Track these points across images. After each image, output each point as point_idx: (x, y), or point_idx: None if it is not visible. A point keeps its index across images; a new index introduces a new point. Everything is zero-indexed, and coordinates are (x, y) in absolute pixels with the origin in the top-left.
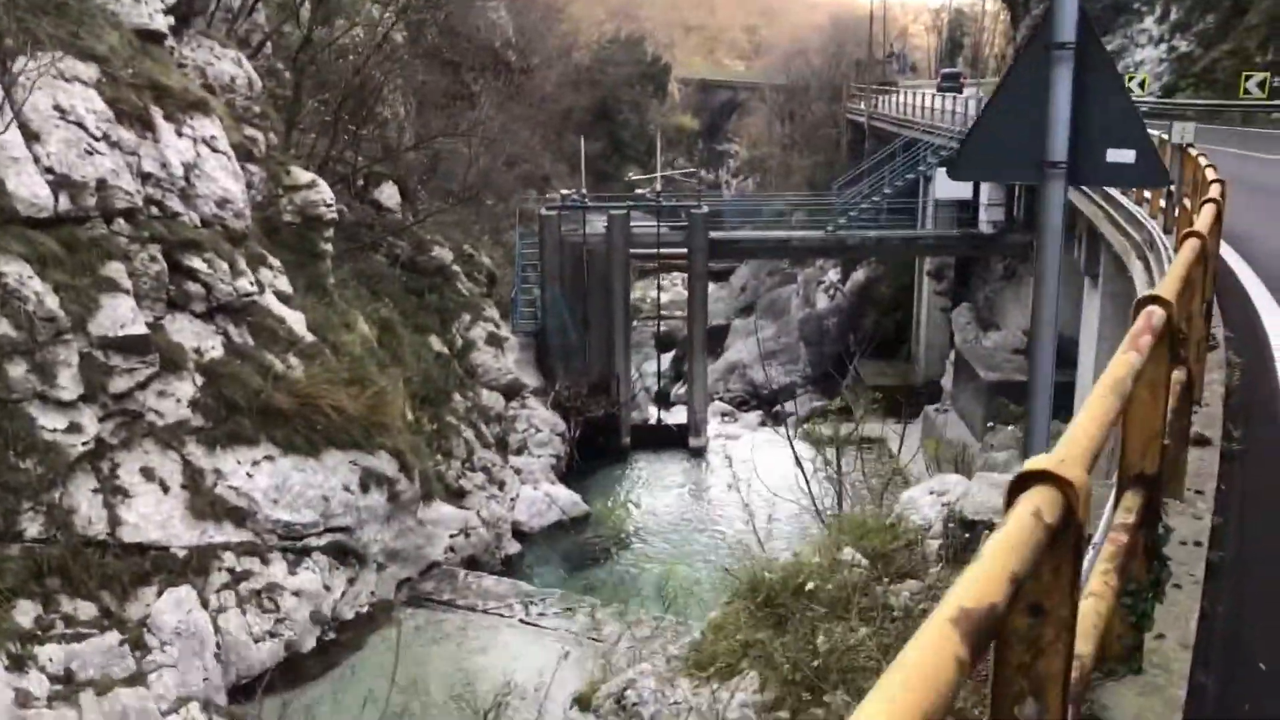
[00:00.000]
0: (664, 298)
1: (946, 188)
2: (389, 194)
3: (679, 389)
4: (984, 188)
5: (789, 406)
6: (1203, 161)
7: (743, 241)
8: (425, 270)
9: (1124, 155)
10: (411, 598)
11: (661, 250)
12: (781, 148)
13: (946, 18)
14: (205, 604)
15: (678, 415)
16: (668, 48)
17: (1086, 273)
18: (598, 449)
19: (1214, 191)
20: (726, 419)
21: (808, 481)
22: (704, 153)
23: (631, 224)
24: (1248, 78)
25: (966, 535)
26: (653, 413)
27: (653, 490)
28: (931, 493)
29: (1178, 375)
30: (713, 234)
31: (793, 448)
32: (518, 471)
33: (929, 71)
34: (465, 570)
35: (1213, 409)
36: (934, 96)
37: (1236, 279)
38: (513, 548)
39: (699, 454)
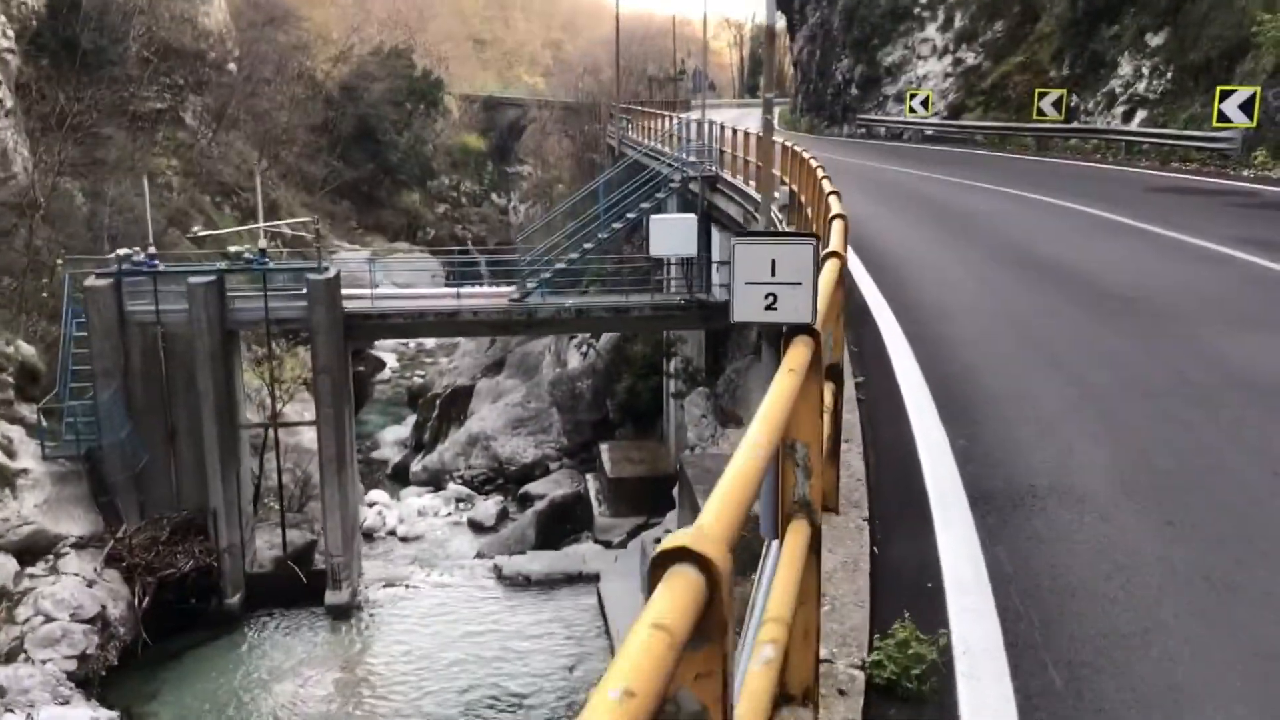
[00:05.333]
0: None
1: (661, 242)
2: None
3: (417, 465)
4: (715, 242)
5: (536, 488)
6: None
7: (393, 315)
8: None
9: None
10: None
11: (273, 330)
12: (568, 171)
13: (748, 33)
14: None
15: (414, 505)
16: (442, 61)
17: None
18: (188, 618)
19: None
20: (463, 506)
21: None
22: (494, 175)
23: (231, 294)
24: (1041, 95)
25: None
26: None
27: (263, 683)
28: None
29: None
30: (349, 305)
31: None
32: (2, 693)
33: (733, 90)
34: None
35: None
36: (670, 119)
37: None
38: None
39: (345, 614)
